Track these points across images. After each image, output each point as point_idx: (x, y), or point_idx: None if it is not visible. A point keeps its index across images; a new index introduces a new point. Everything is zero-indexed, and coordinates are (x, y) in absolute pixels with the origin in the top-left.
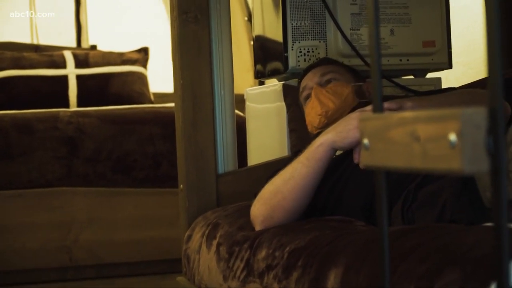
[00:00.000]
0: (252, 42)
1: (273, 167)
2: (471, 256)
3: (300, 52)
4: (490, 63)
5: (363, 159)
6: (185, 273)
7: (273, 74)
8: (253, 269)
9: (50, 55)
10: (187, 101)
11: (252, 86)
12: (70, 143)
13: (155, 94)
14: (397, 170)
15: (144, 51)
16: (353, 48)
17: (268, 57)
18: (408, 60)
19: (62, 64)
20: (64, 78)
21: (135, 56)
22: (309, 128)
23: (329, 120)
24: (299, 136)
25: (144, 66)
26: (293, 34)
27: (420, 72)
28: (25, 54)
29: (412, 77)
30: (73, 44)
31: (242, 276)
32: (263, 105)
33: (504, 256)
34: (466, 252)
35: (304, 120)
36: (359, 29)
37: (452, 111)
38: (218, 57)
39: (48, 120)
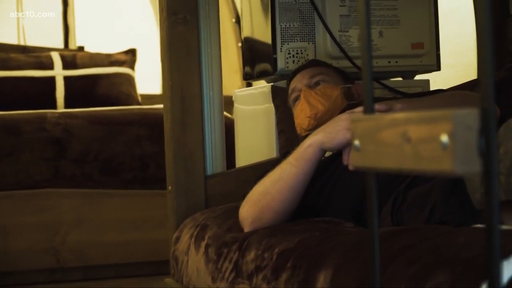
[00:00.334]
0: (239, 44)
1: (262, 169)
2: (461, 257)
3: (289, 53)
4: (482, 65)
5: (354, 161)
6: (173, 274)
7: (261, 75)
8: (242, 271)
9: (38, 56)
10: (176, 103)
11: (239, 88)
12: (58, 144)
13: (142, 96)
14: (388, 172)
15: (132, 52)
16: (342, 50)
17: (256, 58)
18: (396, 62)
19: (50, 65)
20: (52, 79)
21: (123, 57)
22: (298, 130)
23: (318, 122)
24: (288, 137)
25: (132, 67)
26: (282, 36)
27: (409, 74)
28: (12, 55)
29: (400, 79)
30: (61, 45)
31: (230, 278)
32: (251, 107)
33: (496, 257)
34: (457, 253)
35: (293, 122)
36: (348, 31)
37: (444, 112)
38: (207, 58)
39: (36, 121)
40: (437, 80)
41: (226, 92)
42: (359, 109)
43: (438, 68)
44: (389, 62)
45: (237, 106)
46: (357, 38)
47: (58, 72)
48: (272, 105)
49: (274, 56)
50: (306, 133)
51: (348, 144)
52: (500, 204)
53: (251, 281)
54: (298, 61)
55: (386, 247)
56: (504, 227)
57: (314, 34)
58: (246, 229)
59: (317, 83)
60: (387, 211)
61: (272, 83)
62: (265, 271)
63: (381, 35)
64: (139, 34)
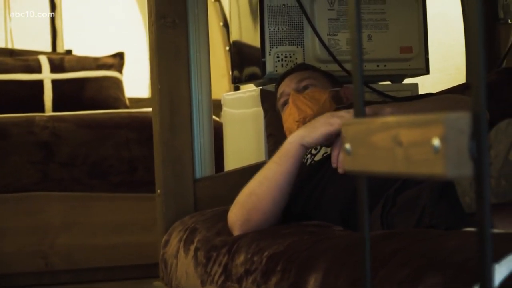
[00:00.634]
0: (227, 48)
1: (250, 172)
2: (452, 260)
3: (278, 57)
4: (473, 69)
5: (345, 164)
6: (162, 278)
7: (250, 79)
8: (232, 274)
9: (25, 60)
10: (165, 106)
11: (227, 91)
12: (46, 147)
13: (130, 99)
14: (379, 175)
15: (120, 56)
16: (331, 53)
17: (245, 62)
18: (385, 65)
19: (38, 69)
20: (40, 83)
21: (111, 61)
22: (287, 134)
23: None
24: (277, 141)
25: (120, 71)
26: (271, 40)
27: (397, 78)
28: (0, 58)
29: (389, 82)
30: (48, 48)
31: (220, 281)
32: (240, 111)
33: (488, 261)
34: (447, 256)
35: (282, 125)
36: (337, 35)
37: (435, 116)
38: (196, 62)
39: (24, 124)
40: (426, 84)
41: (213, 95)
42: (342, 112)
43: (427, 71)
44: (377, 66)
45: (225, 109)
46: (345, 42)
47: (46, 76)
48: (260, 108)
49: (262, 59)
50: None
51: (336, 147)
52: (491, 207)
53: (240, 285)
54: (287, 64)
55: (376, 250)
56: (495, 230)
57: (303, 38)
58: (236, 232)
59: (305, 87)
60: (376, 215)
61: (261, 87)
62: (255, 275)
63: (370, 39)
64: (127, 38)
